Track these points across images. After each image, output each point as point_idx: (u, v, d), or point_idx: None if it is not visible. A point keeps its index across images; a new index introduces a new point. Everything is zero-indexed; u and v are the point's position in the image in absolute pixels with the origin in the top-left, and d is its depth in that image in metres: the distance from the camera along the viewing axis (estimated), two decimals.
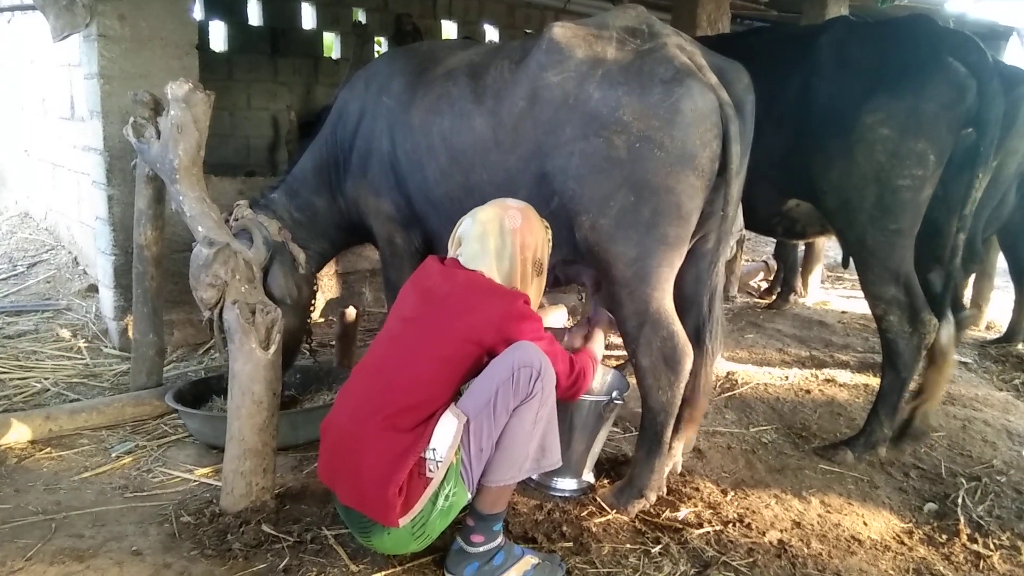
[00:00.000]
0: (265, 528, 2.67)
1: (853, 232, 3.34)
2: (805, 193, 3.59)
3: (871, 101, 3.15)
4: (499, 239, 2.53)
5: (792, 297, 6.32)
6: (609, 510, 2.93)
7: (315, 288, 3.80)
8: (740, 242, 6.15)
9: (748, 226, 4.23)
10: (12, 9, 6.60)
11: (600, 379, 3.28)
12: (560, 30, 2.82)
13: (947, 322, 3.31)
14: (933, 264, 3.44)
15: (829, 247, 7.69)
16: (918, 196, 3.16)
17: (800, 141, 3.45)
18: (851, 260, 3.47)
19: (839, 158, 3.26)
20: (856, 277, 3.51)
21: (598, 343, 2.91)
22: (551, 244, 2.69)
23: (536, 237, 2.59)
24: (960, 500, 3.16)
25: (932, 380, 3.39)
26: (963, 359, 5.01)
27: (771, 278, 6.86)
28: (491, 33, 11.45)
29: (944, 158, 3.13)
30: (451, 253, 2.60)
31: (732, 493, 3.15)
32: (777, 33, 4.27)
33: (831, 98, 3.32)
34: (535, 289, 2.65)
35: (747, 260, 7.34)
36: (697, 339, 2.97)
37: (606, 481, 3.19)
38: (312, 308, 3.72)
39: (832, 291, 7.00)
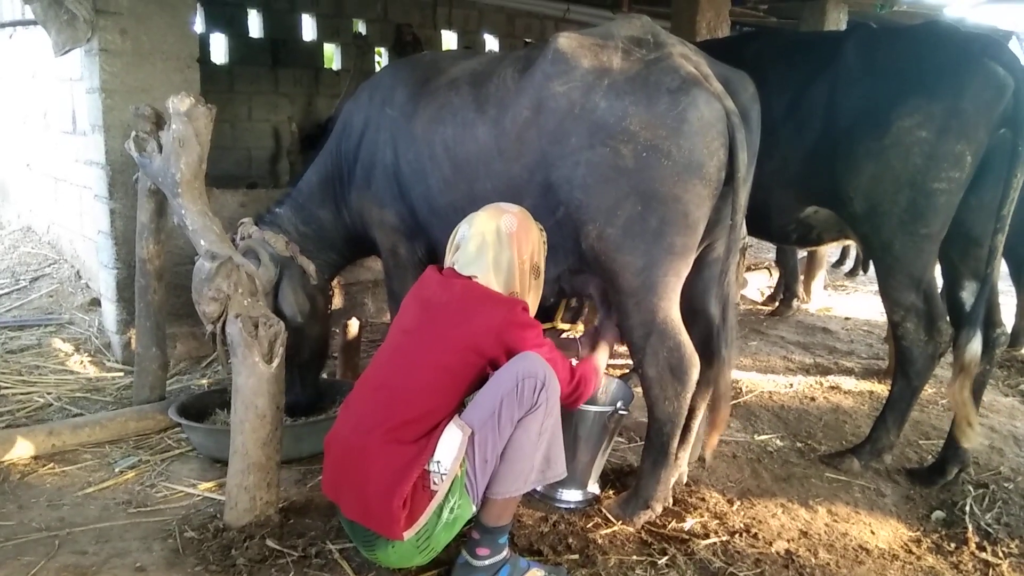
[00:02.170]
0: (269, 543, 2.66)
1: (879, 238, 3.29)
2: (826, 199, 3.55)
3: (907, 104, 3.12)
4: (497, 245, 2.52)
5: (795, 303, 6.31)
6: (615, 521, 2.92)
7: (331, 295, 3.80)
8: (743, 249, 6.14)
9: (761, 235, 4.20)
10: (14, 24, 6.62)
11: (604, 389, 3.27)
12: (565, 40, 2.82)
13: (976, 335, 3.14)
14: (966, 280, 3.37)
15: (832, 253, 7.67)
16: (952, 199, 3.13)
17: (824, 147, 3.42)
18: (869, 266, 3.40)
19: (870, 162, 3.22)
20: (858, 283, 3.48)
21: (602, 354, 2.90)
22: (546, 247, 2.69)
23: (532, 241, 2.60)
24: (968, 508, 3.14)
25: (952, 396, 3.22)
26: None
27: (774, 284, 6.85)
28: (491, 43, 11.48)
29: (978, 160, 3.10)
30: (448, 261, 2.60)
31: (738, 503, 3.14)
32: (784, 39, 4.24)
33: (862, 103, 3.28)
34: (533, 293, 2.65)
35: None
36: (705, 348, 2.96)
37: (611, 492, 3.17)
38: (329, 315, 3.73)
39: (835, 297, 6.99)
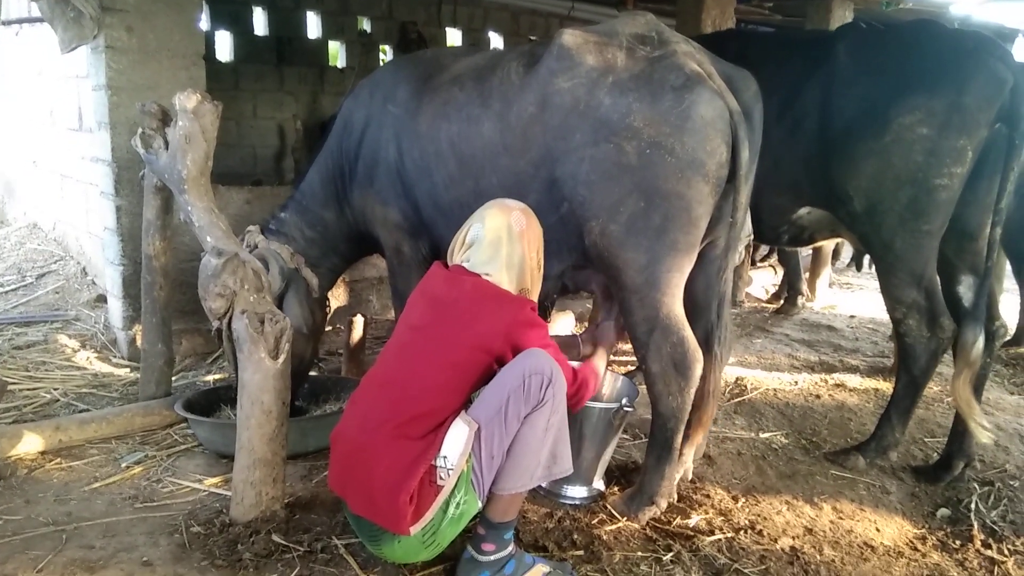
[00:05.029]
0: (275, 538, 2.66)
1: (880, 236, 3.29)
2: (822, 200, 3.54)
3: (908, 101, 3.11)
4: (509, 244, 2.54)
5: (800, 301, 6.30)
6: (620, 517, 2.92)
7: (328, 309, 3.79)
8: (747, 247, 6.13)
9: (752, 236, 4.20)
10: (20, 21, 6.65)
11: (610, 386, 3.28)
12: (570, 37, 2.83)
13: (979, 329, 3.17)
14: (962, 275, 3.36)
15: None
16: (953, 195, 3.13)
17: (819, 147, 3.41)
18: (863, 263, 3.41)
19: (870, 161, 3.22)
20: (863, 281, 3.47)
21: (601, 358, 2.89)
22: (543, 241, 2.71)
23: (537, 236, 2.63)
24: (973, 505, 3.14)
25: (955, 393, 3.21)
26: None
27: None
28: (496, 40, 11.47)
29: (977, 155, 3.10)
30: (457, 258, 2.60)
31: (743, 500, 3.14)
32: (772, 39, 4.24)
33: (859, 102, 3.27)
34: (536, 286, 2.67)
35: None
36: (706, 344, 2.97)
37: (616, 488, 3.18)
38: (323, 330, 3.72)
39: (840, 294, 6.98)
